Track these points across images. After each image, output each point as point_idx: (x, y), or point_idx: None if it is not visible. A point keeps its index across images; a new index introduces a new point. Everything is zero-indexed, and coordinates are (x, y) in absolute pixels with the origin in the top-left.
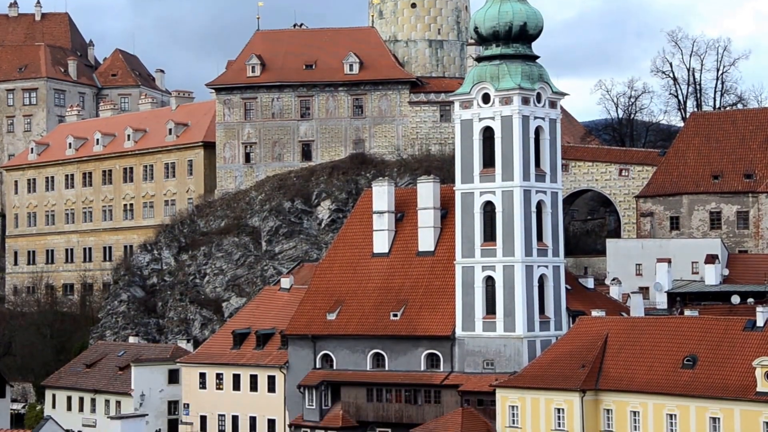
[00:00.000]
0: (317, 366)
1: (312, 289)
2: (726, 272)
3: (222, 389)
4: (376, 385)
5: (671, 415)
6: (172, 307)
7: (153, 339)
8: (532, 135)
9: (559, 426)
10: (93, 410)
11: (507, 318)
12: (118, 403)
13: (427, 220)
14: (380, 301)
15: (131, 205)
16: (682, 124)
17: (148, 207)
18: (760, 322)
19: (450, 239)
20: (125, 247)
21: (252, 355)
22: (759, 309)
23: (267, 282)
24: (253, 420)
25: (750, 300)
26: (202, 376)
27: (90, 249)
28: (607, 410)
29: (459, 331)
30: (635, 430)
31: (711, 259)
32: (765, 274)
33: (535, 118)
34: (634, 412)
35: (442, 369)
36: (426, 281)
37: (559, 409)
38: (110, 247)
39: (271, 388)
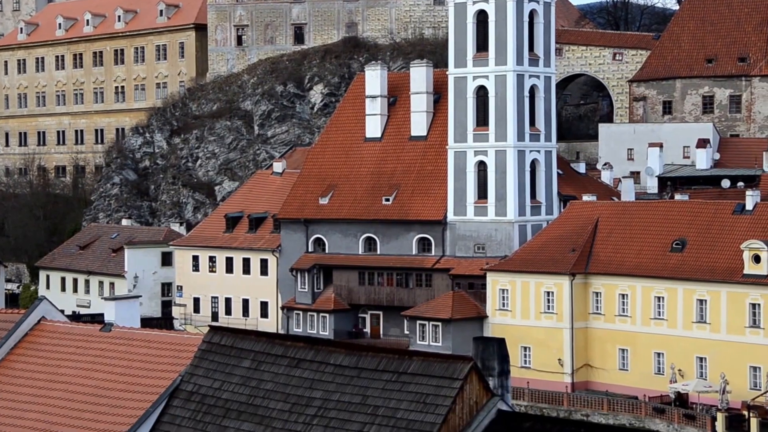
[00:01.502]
0: (309, 250)
1: (304, 173)
2: (717, 156)
3: (215, 272)
4: (367, 268)
5: (659, 298)
6: (165, 191)
7: (146, 222)
8: (526, 19)
9: (549, 309)
10: (87, 291)
11: (498, 203)
12: (112, 284)
13: (419, 104)
14: (372, 186)
15: (122, 87)
16: (677, 7)
17: (139, 89)
18: (749, 206)
19: (442, 124)
20: (117, 129)
21: (245, 239)
22: (748, 193)
23: (259, 166)
24: (245, 302)
25: (740, 184)
26: (195, 258)
27: (81, 131)
28: (596, 293)
29: (450, 216)
30: (623, 312)
31: (702, 143)
32: (755, 158)
33: (530, 1)
34: (623, 295)
35: (433, 253)
36: (418, 166)
37: (548, 293)
38: (102, 130)
39: (264, 271)
